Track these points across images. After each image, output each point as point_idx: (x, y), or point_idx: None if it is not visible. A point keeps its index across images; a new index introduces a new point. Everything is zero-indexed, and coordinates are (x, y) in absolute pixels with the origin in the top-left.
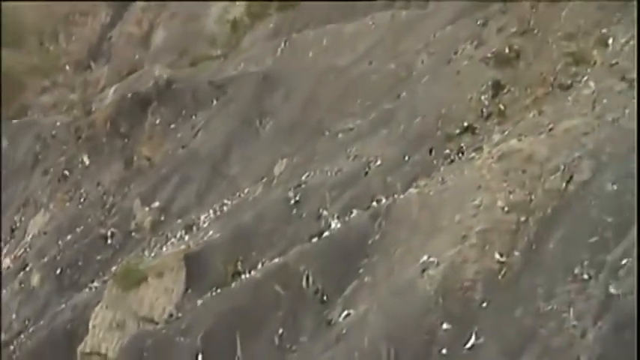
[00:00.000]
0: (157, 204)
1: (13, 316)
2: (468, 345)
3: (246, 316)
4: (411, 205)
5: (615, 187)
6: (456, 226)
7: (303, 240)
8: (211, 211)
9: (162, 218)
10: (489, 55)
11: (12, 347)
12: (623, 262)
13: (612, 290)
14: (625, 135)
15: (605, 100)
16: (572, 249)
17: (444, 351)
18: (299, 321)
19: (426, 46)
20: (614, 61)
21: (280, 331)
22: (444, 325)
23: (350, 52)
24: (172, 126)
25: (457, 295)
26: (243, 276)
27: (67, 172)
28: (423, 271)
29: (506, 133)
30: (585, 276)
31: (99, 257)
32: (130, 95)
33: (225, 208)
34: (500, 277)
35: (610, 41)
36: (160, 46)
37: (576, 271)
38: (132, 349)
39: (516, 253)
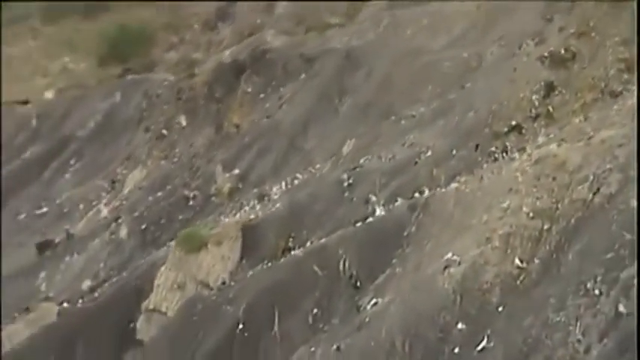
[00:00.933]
0: (236, 171)
1: (101, 265)
2: (479, 347)
3: (286, 293)
4: (448, 201)
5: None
6: (482, 227)
7: (349, 223)
8: (283, 184)
9: (240, 186)
10: (546, 54)
11: (95, 294)
12: (636, 280)
13: (621, 309)
14: None
15: None
16: (588, 262)
17: (456, 350)
18: (333, 303)
19: (500, 38)
20: None
21: (315, 310)
22: (459, 325)
23: (443, 35)
24: (262, 95)
25: (475, 296)
26: (292, 252)
27: (164, 132)
28: (445, 268)
29: (550, 136)
30: (597, 291)
31: (180, 217)
32: (228, 61)
33: (295, 182)
34: (518, 282)
35: None
36: (281, 12)
37: (589, 285)
38: (185, 312)
39: (536, 261)
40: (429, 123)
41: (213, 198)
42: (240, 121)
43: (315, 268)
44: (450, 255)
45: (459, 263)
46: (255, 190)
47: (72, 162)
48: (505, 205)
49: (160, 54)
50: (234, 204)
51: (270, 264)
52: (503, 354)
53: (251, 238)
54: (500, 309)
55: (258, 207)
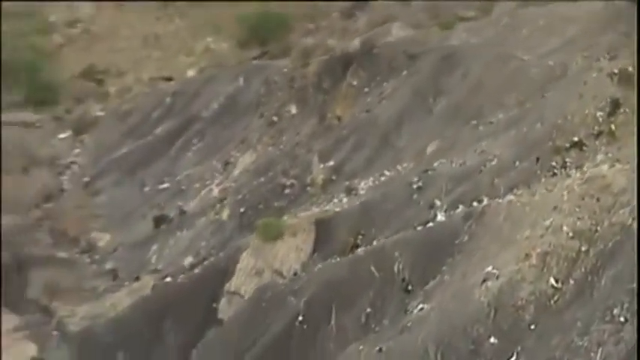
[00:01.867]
0: (331, 163)
1: (203, 243)
2: None
3: (344, 290)
4: (500, 213)
5: None
6: (523, 243)
7: (413, 226)
8: (371, 179)
9: (334, 178)
10: (616, 70)
11: (196, 270)
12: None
13: None
14: None
15: None
16: (618, 288)
17: None
18: (386, 304)
19: (588, 48)
20: None
21: (368, 310)
22: (491, 339)
23: (553, 38)
24: (365, 89)
25: (509, 311)
26: (359, 250)
27: (275, 118)
28: (484, 281)
29: (608, 155)
30: (622, 319)
31: (275, 204)
32: (337, 53)
33: (382, 178)
34: (552, 302)
35: None
36: (419, 4)
37: (615, 311)
38: (256, 298)
39: (571, 282)
40: (503, 131)
41: (308, 188)
42: (342, 113)
43: (373, 268)
44: (490, 268)
45: (497, 277)
46: (347, 183)
47: (194, 141)
48: (548, 222)
49: (296, 39)
50: (325, 195)
51: (337, 259)
52: None
53: (324, 232)
54: (532, 327)
55: (345, 200)
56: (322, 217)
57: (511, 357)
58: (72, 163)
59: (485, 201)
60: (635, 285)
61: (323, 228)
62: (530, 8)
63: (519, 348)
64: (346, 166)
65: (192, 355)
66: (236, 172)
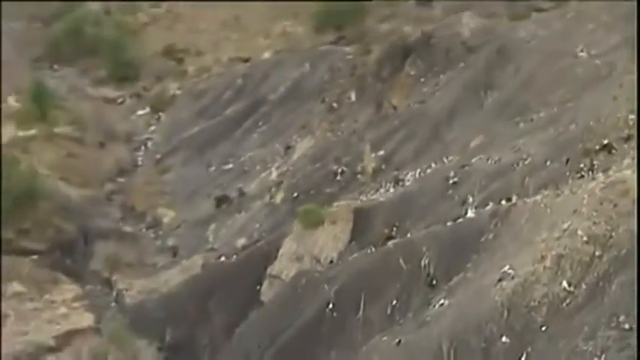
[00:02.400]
0: (382, 152)
1: (257, 225)
2: None
3: (374, 281)
4: (524, 213)
5: None
6: (541, 244)
7: (444, 221)
8: (418, 171)
9: (383, 167)
10: None
11: (248, 251)
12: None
13: None
14: None
15: None
16: (627, 295)
17: None
18: (411, 298)
19: (634, 48)
20: None
21: (394, 302)
22: (503, 338)
23: (613, 34)
24: (422, 80)
25: (521, 312)
26: (390, 242)
27: (335, 105)
28: (499, 280)
29: (635, 159)
30: (627, 326)
31: (327, 190)
32: (397, 43)
33: (428, 170)
34: (564, 305)
35: None
36: None
37: (621, 318)
38: (293, 284)
39: (584, 286)
40: (541, 129)
41: (358, 176)
42: (397, 103)
43: (401, 261)
44: (506, 268)
45: (513, 277)
46: (395, 173)
47: (260, 124)
48: (565, 225)
49: (372, 25)
50: (374, 184)
51: (372, 250)
52: None
53: (362, 222)
54: (543, 329)
55: (391, 190)
56: (361, 207)
57: (521, 357)
58: (147, 139)
59: (514, 200)
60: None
61: (361, 218)
62: (598, 2)
63: (530, 349)
64: (396, 156)
65: (235, 335)
66: (295, 156)
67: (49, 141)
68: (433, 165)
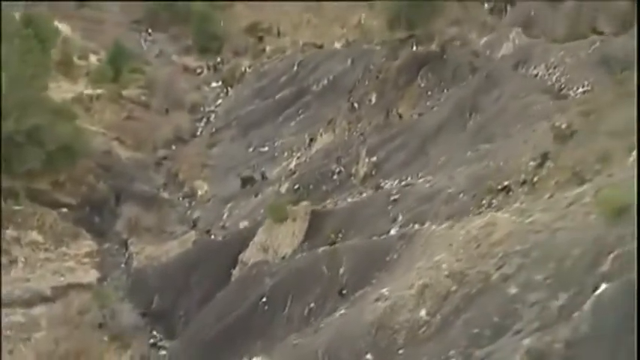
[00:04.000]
0: (375, 158)
1: (262, 210)
2: None
3: (302, 282)
4: (421, 238)
5: (515, 290)
6: (415, 272)
7: (375, 235)
8: (397, 181)
9: (373, 173)
10: (557, 124)
11: (230, 235)
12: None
13: None
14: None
15: (571, 207)
16: (464, 333)
17: None
18: (326, 303)
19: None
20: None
21: (312, 305)
22: (368, 355)
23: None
24: (429, 93)
25: (387, 333)
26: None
27: (357, 105)
28: (376, 300)
29: (519, 204)
30: None
31: (323, 187)
32: (417, 53)
33: (402, 183)
34: (420, 332)
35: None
36: (569, 5)
37: (451, 353)
38: (246, 272)
39: (438, 317)
40: (476, 161)
41: (352, 178)
42: (403, 112)
43: (324, 268)
44: (384, 290)
45: (386, 299)
46: (379, 181)
47: (300, 112)
48: (437, 258)
49: (442, 27)
50: (361, 188)
51: (317, 251)
52: None
53: (316, 224)
54: (401, 351)
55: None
56: (317, 211)
57: None
58: (212, 111)
59: (426, 225)
60: (475, 331)
61: (316, 220)
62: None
63: None
64: (386, 164)
65: (204, 309)
66: (313, 149)
67: (114, 102)
68: (409, 179)
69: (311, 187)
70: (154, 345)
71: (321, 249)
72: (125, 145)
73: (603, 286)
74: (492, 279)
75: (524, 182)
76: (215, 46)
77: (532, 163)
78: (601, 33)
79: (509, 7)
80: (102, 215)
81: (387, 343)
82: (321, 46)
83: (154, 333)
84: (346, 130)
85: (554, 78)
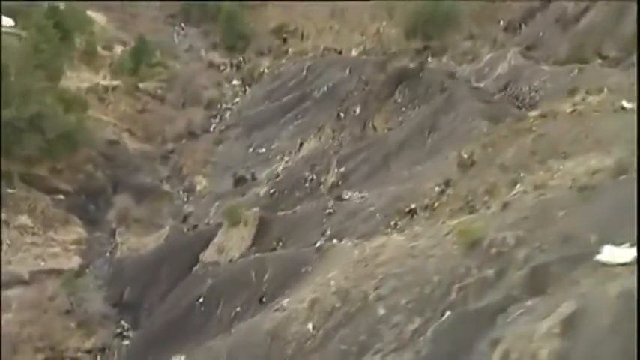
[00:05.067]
0: (342, 170)
1: None
2: None
3: (234, 286)
4: (331, 254)
5: (384, 311)
6: (312, 285)
7: (306, 245)
8: (357, 194)
9: (340, 183)
10: (462, 153)
11: (197, 232)
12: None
13: None
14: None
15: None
16: (336, 350)
17: None
18: (249, 308)
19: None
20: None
21: (238, 309)
22: None
23: None
24: (403, 109)
25: (280, 343)
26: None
27: (342, 115)
28: (275, 311)
29: (418, 229)
30: None
31: (297, 194)
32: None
33: (359, 195)
34: (307, 344)
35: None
36: (578, 30)
37: None
38: (196, 271)
39: (321, 332)
40: (401, 182)
41: (321, 186)
42: (378, 125)
43: (253, 274)
44: (284, 300)
45: (283, 310)
46: (343, 192)
47: (299, 116)
48: (330, 274)
49: (457, 41)
50: (327, 197)
51: (254, 257)
52: None
53: (263, 230)
54: None
55: (331, 205)
56: (265, 217)
57: None
58: (227, 109)
59: (344, 241)
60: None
61: (263, 226)
62: None
63: None
64: (353, 176)
65: (164, 302)
66: (299, 155)
67: (129, 94)
68: (366, 193)
69: (286, 192)
70: (119, 334)
71: (253, 256)
72: (135, 137)
73: (447, 314)
74: (369, 299)
75: (426, 207)
76: (241, 45)
77: (437, 189)
78: (605, 57)
79: (523, 26)
80: (97, 204)
81: (278, 353)
82: (340, 52)
83: (122, 323)
84: (330, 138)
85: (526, 101)
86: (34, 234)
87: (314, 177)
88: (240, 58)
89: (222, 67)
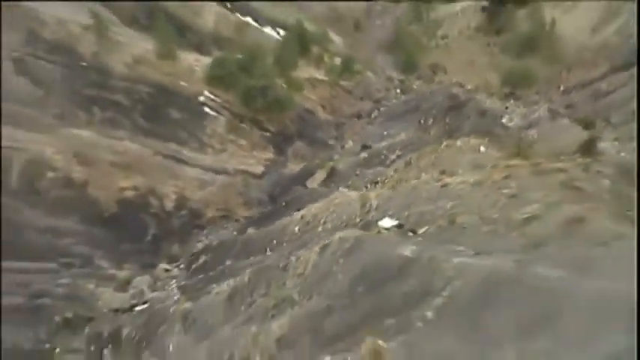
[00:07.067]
0: (400, 153)
1: None
2: None
3: None
4: None
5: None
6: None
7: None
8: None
9: (396, 160)
10: None
11: None
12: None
13: None
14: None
15: None
16: None
17: None
18: None
19: None
20: None
21: None
22: None
23: None
24: (446, 127)
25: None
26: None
27: (422, 122)
28: None
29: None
30: None
31: (374, 161)
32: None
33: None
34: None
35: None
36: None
37: None
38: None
39: None
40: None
41: (387, 160)
42: (433, 133)
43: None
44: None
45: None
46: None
47: (406, 118)
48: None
49: (529, 94)
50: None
51: None
52: None
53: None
54: None
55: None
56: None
57: None
58: (386, 105)
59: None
60: None
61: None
62: None
63: None
64: (404, 157)
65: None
66: (388, 141)
67: (330, 86)
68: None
69: (371, 159)
70: (263, 212)
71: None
72: (325, 110)
73: None
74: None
75: None
76: (411, 67)
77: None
78: (608, 121)
79: (580, 89)
80: (286, 142)
81: None
82: (462, 86)
83: (268, 206)
84: (410, 135)
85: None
86: (244, 150)
87: (386, 154)
88: (403, 78)
89: (394, 81)
